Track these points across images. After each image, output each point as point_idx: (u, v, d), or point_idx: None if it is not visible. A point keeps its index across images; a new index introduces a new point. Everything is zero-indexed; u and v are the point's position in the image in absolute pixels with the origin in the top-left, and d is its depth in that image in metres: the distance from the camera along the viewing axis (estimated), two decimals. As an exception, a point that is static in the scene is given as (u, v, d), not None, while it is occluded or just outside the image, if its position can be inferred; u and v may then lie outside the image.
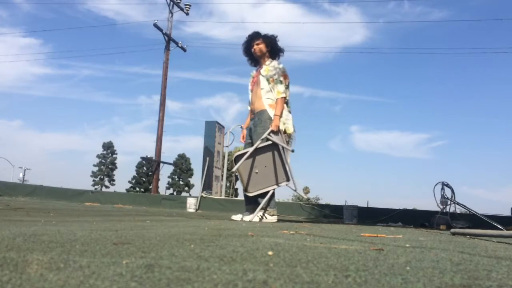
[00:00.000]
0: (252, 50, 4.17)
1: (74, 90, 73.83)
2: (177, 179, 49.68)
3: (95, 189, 34.30)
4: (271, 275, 0.79)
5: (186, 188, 49.15)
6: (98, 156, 49.71)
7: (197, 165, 43.17)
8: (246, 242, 1.39)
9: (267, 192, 3.84)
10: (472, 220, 5.17)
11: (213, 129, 9.45)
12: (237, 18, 67.59)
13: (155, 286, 0.66)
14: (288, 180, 3.86)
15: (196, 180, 35.84)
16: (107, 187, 48.54)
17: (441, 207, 5.27)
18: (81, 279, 0.69)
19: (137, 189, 47.28)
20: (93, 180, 48.65)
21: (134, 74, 77.53)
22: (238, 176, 4.14)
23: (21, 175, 45.22)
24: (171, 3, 17.82)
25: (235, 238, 1.54)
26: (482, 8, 65.72)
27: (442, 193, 5.27)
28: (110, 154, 50.21)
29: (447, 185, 5.29)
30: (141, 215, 3.73)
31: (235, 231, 1.98)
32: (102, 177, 49.06)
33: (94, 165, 49.34)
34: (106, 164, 49.51)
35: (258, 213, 3.79)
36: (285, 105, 3.99)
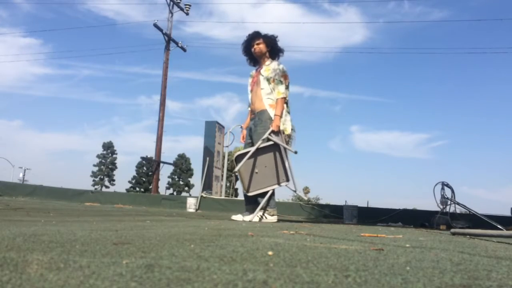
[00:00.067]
0: (252, 50, 4.17)
1: (74, 90, 73.92)
2: (177, 179, 49.68)
3: (95, 189, 34.28)
4: (271, 275, 0.79)
5: (186, 188, 49.16)
6: (98, 156, 49.77)
7: (197, 165, 43.12)
8: (246, 242, 1.39)
9: (266, 192, 3.84)
10: (472, 220, 5.17)
11: (213, 129, 9.45)
12: (237, 18, 67.60)
13: (155, 286, 0.66)
14: (288, 180, 3.86)
15: (196, 180, 35.83)
16: (107, 187, 48.59)
17: (441, 207, 5.27)
18: (81, 279, 0.69)
19: (137, 189, 47.27)
20: (93, 180, 48.72)
21: (134, 74, 77.60)
22: (239, 176, 4.13)
23: (21, 175, 45.27)
24: (171, 3, 17.83)
25: (235, 238, 1.54)
26: (482, 8, 65.70)
27: (442, 193, 5.27)
28: (110, 154, 50.22)
29: (447, 185, 5.29)
30: (141, 215, 3.73)
31: (235, 231, 1.98)
32: (102, 177, 49.07)
33: (94, 165, 49.43)
34: (106, 164, 49.51)
35: (258, 213, 3.79)
36: (284, 106, 3.99)
